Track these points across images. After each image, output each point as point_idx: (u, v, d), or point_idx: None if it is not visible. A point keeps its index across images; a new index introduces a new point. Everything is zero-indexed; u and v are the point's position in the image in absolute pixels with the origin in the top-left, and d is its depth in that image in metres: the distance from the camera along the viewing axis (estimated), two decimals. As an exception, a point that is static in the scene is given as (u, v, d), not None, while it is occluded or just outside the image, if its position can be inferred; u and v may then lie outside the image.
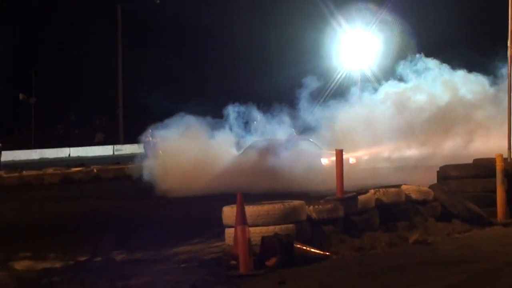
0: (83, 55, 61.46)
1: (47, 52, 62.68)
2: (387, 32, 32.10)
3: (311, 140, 24.46)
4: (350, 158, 21.68)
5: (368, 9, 33.72)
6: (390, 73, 28.89)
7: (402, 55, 28.41)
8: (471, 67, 25.84)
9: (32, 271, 9.99)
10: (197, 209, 16.92)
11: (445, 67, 25.36)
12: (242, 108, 26.32)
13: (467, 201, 12.88)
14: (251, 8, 54.41)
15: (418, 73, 25.73)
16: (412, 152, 22.51)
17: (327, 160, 22.00)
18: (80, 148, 56.27)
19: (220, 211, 10.67)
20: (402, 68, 25.90)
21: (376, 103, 25.21)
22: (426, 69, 25.56)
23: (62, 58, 62.27)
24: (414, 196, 12.65)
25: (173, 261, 10.14)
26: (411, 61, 25.93)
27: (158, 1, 53.78)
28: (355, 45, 34.04)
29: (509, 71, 15.36)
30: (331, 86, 30.61)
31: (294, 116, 27.81)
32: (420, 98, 24.63)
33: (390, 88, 25.76)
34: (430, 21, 40.78)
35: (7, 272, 9.94)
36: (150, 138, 32.38)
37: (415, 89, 25.24)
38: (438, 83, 25.06)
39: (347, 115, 24.76)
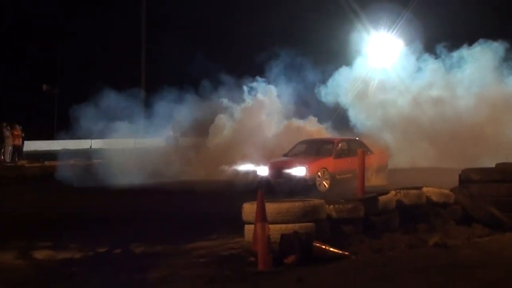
0: (107, 47, 61.65)
1: (71, 43, 62.98)
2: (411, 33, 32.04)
3: (357, 139, 24.03)
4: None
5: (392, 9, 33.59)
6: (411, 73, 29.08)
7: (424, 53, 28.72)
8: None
9: (52, 260, 10.07)
10: (211, 204, 16.98)
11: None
12: None
13: (488, 205, 12.79)
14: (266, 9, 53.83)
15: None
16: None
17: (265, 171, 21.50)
18: (101, 140, 56.38)
19: (240, 207, 10.70)
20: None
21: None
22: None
23: (86, 50, 62.53)
24: (435, 198, 12.61)
25: (191, 255, 10.17)
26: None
27: None
28: (379, 46, 33.87)
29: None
30: (355, 87, 30.66)
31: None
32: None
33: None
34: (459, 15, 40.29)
35: (27, 261, 10.03)
36: (172, 133, 32.65)
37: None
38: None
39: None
